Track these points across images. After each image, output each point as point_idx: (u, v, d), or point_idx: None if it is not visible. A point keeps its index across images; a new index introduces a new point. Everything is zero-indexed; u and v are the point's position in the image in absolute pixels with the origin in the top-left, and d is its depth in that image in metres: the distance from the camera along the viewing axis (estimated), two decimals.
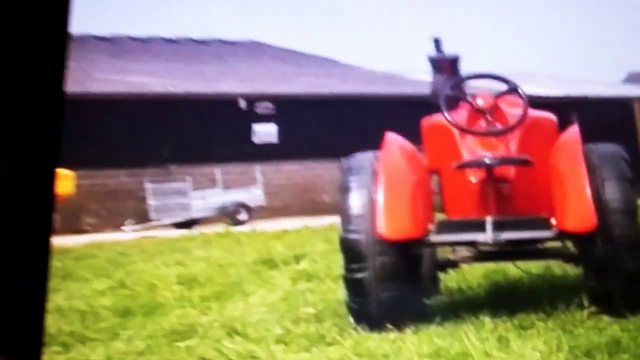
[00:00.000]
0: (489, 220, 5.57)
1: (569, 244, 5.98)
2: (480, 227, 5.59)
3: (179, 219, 23.32)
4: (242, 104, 26.71)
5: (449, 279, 7.24)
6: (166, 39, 33.92)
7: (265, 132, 26.83)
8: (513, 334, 5.11)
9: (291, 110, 26.98)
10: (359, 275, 5.50)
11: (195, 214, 23.46)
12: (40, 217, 1.41)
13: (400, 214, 5.51)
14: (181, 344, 5.65)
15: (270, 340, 5.55)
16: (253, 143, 26.66)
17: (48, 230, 1.40)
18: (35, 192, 1.34)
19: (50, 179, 1.39)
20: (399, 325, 5.43)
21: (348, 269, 5.60)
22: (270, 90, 27.93)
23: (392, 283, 5.47)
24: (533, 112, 6.25)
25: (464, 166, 5.95)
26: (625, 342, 4.74)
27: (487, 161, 5.81)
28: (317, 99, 27.58)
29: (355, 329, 5.57)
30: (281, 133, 26.88)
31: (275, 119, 27.00)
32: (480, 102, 6.19)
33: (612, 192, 5.46)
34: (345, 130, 26.75)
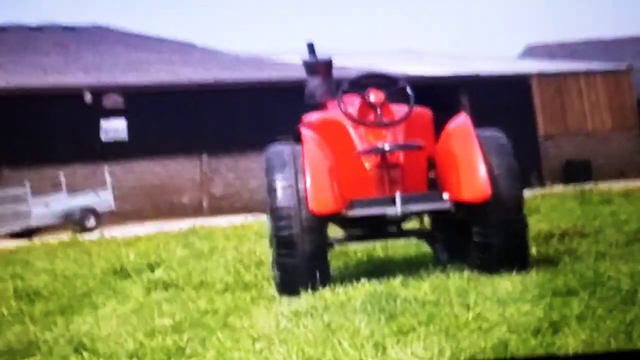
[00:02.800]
0: (397, 195, 7.32)
1: (426, 225, 8.44)
2: (387, 202, 7.38)
3: (16, 228, 22.85)
4: (88, 97, 26.25)
5: (333, 290, 7.33)
6: None
7: (113, 128, 26.40)
8: (391, 339, 5.18)
9: (143, 103, 26.64)
10: (288, 233, 7.18)
11: (35, 222, 23.00)
12: None
13: (324, 193, 7.22)
14: None
15: (121, 355, 5.53)
16: (101, 141, 26.19)
17: None
18: None
19: None
20: (313, 284, 7.09)
21: (277, 230, 7.23)
22: (118, 81, 27.48)
23: (313, 242, 7.20)
24: (416, 109, 7.95)
25: (367, 152, 7.59)
26: (514, 345, 4.85)
27: (386, 147, 7.53)
28: (173, 89, 27.28)
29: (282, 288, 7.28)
30: (132, 128, 26.48)
31: (125, 113, 26.58)
32: (372, 97, 7.90)
33: (502, 170, 7.29)
34: (207, 123, 26.61)
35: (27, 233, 22.36)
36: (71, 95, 26.03)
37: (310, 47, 8.82)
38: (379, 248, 9.76)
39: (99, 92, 26.48)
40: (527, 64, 37.22)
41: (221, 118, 26.66)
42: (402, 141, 7.69)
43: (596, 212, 12.62)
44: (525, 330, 5.13)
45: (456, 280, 6.94)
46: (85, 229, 22.38)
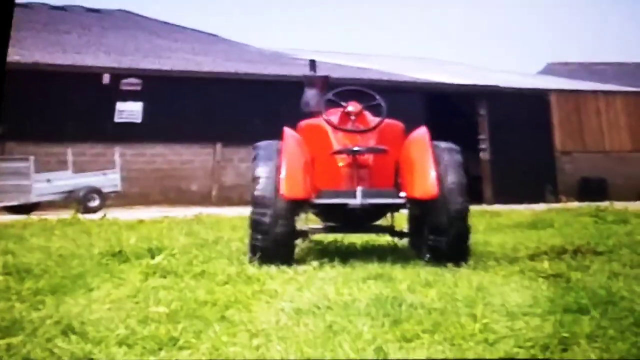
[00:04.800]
0: (359, 189, 8.81)
1: (397, 224, 9.83)
2: (351, 195, 8.83)
3: (15, 202, 22.71)
4: (106, 78, 26.26)
5: (326, 281, 7.17)
6: (17, 4, 32.90)
7: (128, 110, 26.37)
8: (393, 345, 5.04)
9: (161, 88, 26.65)
10: (263, 219, 8.65)
11: (36, 198, 22.86)
12: None
13: (295, 182, 8.68)
14: (0, 342, 5.32)
15: (111, 341, 5.33)
16: (113, 122, 26.15)
17: None
18: None
19: None
20: (280, 262, 8.47)
21: (255, 214, 8.70)
22: (138, 65, 27.48)
23: (283, 227, 8.63)
24: (388, 120, 9.56)
25: (339, 152, 9.20)
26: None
27: (355, 149, 9.09)
28: (192, 77, 27.27)
29: (251, 263, 8.56)
30: (147, 112, 26.45)
31: (142, 96, 26.58)
32: (350, 108, 9.61)
33: (450, 175, 8.73)
34: (223, 113, 26.65)
35: (26, 208, 22.23)
36: (89, 75, 26.02)
37: (312, 64, 10.92)
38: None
39: (117, 75, 26.47)
40: (546, 80, 37.02)
41: (238, 109, 26.70)
42: (371, 145, 9.25)
43: (611, 231, 12.44)
44: (534, 345, 5.00)
45: (464, 289, 6.75)
46: (88, 209, 22.22)
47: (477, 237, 11.49)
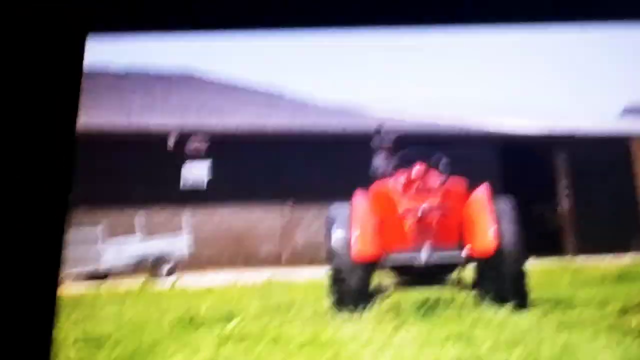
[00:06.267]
0: (424, 250, 10.11)
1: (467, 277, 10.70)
2: (416, 255, 10.10)
3: (84, 271, 22.98)
4: (171, 140, 26.61)
5: (404, 343, 7.19)
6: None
7: (195, 173, 26.69)
8: None
9: (227, 148, 26.90)
10: (339, 276, 10.01)
11: (105, 266, 23.10)
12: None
13: (365, 245, 10.10)
14: None
15: None
16: (180, 186, 26.48)
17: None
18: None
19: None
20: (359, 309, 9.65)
21: (331, 271, 10.20)
22: (203, 125, 27.82)
23: (357, 283, 9.93)
24: (452, 178, 10.82)
25: (405, 214, 10.44)
26: None
27: (419, 212, 10.35)
28: (259, 136, 27.53)
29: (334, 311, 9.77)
30: (214, 173, 26.76)
31: (208, 157, 26.90)
32: (414, 173, 10.75)
33: (507, 231, 10.01)
34: (292, 171, 26.77)
35: (96, 277, 22.47)
36: (154, 138, 26.38)
37: (378, 129, 12.76)
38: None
39: (182, 136, 26.82)
40: (627, 123, 36.58)
41: (306, 167, 26.78)
42: (435, 206, 10.44)
43: None
44: None
45: (550, 347, 6.71)
46: (158, 276, 22.40)
47: (561, 292, 11.49)
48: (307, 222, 26.85)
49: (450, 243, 10.34)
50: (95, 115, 27.54)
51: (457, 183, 10.86)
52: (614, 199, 29.95)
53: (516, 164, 28.37)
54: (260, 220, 26.79)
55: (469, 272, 10.78)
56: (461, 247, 10.21)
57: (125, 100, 30.61)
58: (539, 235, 27.81)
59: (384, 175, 11.45)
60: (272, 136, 27.61)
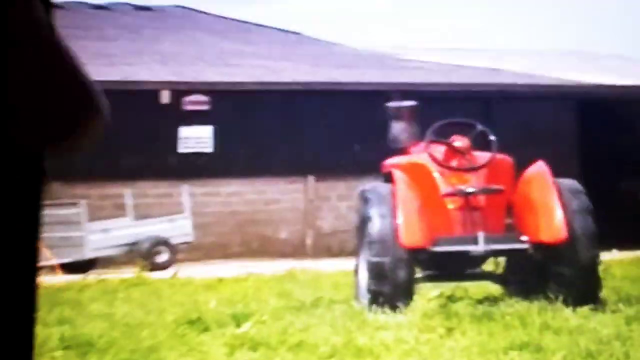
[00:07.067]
0: (480, 235, 10.39)
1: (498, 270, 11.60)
2: (470, 241, 10.47)
3: (67, 258, 23.06)
4: (164, 96, 26.48)
5: (456, 353, 7.41)
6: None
7: (195, 137, 26.56)
8: None
9: (234, 107, 26.76)
10: (383, 265, 10.30)
11: (91, 253, 23.24)
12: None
13: (415, 230, 10.41)
14: None
15: None
16: (178, 153, 26.30)
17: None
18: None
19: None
20: (401, 303, 9.94)
21: (373, 261, 10.42)
22: (203, 77, 27.66)
23: (403, 272, 10.32)
24: (497, 155, 11.21)
25: (451, 194, 10.85)
26: None
27: (469, 190, 10.82)
28: (272, 90, 27.33)
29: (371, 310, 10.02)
30: (218, 139, 26.57)
31: (211, 118, 26.73)
32: (457, 143, 11.16)
33: (577, 219, 10.34)
34: (315, 136, 26.53)
35: (81, 266, 22.59)
36: (142, 93, 26.19)
37: (395, 94, 13.48)
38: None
39: (178, 91, 26.64)
40: None
41: (333, 131, 26.52)
42: (483, 185, 10.89)
43: None
44: None
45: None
46: (155, 265, 22.54)
47: None
48: (334, 202, 26.87)
49: (499, 229, 10.97)
50: None
51: (503, 160, 11.39)
52: None
53: (596, 126, 28.35)
54: (277, 199, 26.81)
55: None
56: (514, 233, 10.76)
57: (107, 42, 30.58)
58: (629, 219, 27.85)
59: (407, 146, 11.92)
60: (289, 91, 27.45)
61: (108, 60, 28.07)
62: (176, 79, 27.15)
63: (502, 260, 11.61)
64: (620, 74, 33.02)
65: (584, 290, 10.11)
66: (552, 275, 10.36)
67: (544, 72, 30.80)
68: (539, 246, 10.44)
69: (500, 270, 11.73)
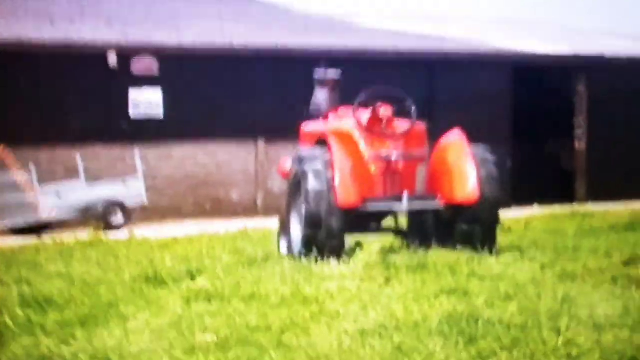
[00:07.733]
0: (405, 196, 11.89)
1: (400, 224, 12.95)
2: (396, 201, 11.92)
3: (20, 222, 23.10)
4: (112, 59, 26.08)
5: (393, 299, 8.02)
6: None
7: (146, 101, 26.27)
8: None
9: (184, 70, 26.62)
10: (317, 215, 11.36)
11: (45, 216, 23.56)
12: None
13: (350, 191, 11.51)
14: None
15: None
16: (129, 117, 26.11)
17: None
18: None
19: None
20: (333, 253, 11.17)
21: (308, 211, 11.42)
22: (152, 39, 27.20)
23: (336, 227, 11.36)
24: (416, 124, 12.40)
25: (376, 159, 12.09)
26: None
27: (393, 157, 12.16)
28: (223, 54, 27.17)
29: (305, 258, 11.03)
30: (169, 102, 26.43)
31: (161, 81, 26.42)
32: (382, 111, 12.27)
33: (486, 179, 11.72)
34: (265, 99, 26.62)
35: (35, 229, 22.77)
36: (89, 56, 25.81)
37: (324, 64, 14.00)
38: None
39: (126, 53, 26.26)
40: None
41: (284, 94, 26.45)
42: (403, 151, 12.18)
43: None
44: (620, 359, 5.80)
45: (549, 301, 7.61)
46: (110, 227, 22.87)
47: (566, 242, 12.52)
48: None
49: (413, 190, 12.34)
50: (9, 24, 26.95)
51: (420, 126, 12.56)
52: (637, 138, 30.50)
53: (530, 90, 29.11)
54: (228, 161, 26.91)
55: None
56: (431, 195, 12.15)
57: (47, 3, 29.98)
58: (550, 178, 29.23)
59: (327, 113, 13.32)
60: (241, 54, 27.35)
61: (50, 19, 27.69)
62: (122, 40, 26.57)
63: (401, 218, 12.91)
64: (554, 40, 33.61)
65: (482, 243, 11.55)
66: (458, 231, 11.81)
67: (483, 40, 31.42)
68: (450, 206, 11.87)
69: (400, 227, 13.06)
